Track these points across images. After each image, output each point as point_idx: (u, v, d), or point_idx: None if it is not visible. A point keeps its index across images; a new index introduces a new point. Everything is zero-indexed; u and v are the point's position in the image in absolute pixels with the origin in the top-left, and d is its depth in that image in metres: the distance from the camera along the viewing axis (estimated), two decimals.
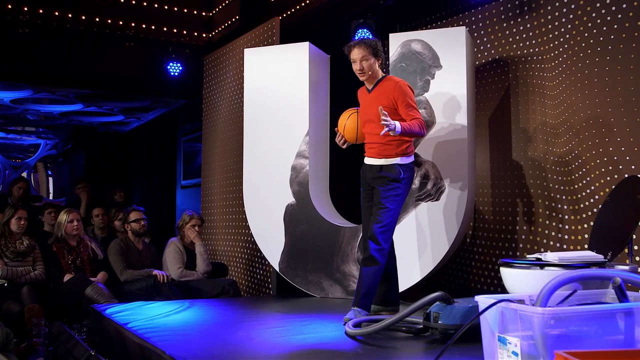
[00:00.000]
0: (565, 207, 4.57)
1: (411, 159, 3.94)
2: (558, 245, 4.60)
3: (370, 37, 5.79)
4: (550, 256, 3.16)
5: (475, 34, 5.36)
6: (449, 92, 4.68)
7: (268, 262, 5.35)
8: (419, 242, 4.68)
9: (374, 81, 3.93)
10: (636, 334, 2.11)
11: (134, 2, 7.38)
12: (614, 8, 4.25)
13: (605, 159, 4.25)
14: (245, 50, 5.47)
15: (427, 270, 4.65)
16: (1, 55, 7.11)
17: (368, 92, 3.96)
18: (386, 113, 3.63)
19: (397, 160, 3.85)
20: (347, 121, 4.04)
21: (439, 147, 4.67)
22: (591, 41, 4.39)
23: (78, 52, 7.57)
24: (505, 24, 5.14)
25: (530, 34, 4.92)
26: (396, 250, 4.74)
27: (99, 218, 6.52)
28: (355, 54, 3.86)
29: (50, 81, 7.74)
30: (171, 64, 7.36)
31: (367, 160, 3.97)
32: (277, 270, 5.17)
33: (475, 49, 5.31)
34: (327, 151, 5.43)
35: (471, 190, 4.71)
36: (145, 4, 7.45)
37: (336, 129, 4.11)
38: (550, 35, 4.74)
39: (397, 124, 3.65)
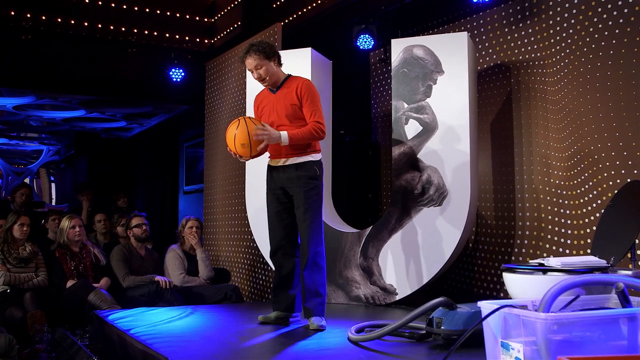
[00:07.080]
0: (568, 212, 4.57)
1: (320, 155, 3.85)
2: (561, 250, 4.59)
3: (370, 43, 5.82)
4: (553, 261, 3.16)
5: (477, 39, 5.37)
6: (451, 98, 4.68)
7: (270, 268, 5.35)
8: (422, 247, 4.68)
9: (277, 82, 3.85)
10: (639, 339, 2.11)
11: (136, 8, 7.41)
12: (615, 13, 4.25)
13: (607, 163, 4.25)
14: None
15: (429, 276, 4.65)
16: (4, 62, 7.14)
17: (273, 92, 3.86)
18: (265, 125, 3.62)
19: (309, 157, 3.77)
20: (237, 131, 3.61)
21: (441, 152, 4.67)
22: (593, 46, 4.39)
23: (80, 58, 7.60)
24: (507, 29, 5.15)
25: (532, 39, 4.93)
26: (400, 255, 4.76)
27: (101, 224, 6.53)
28: (249, 64, 3.77)
29: (52, 87, 7.77)
30: (173, 69, 7.37)
31: (276, 162, 3.82)
32: None
33: (477, 54, 5.32)
34: (330, 156, 5.43)
35: (473, 196, 4.71)
36: (147, 10, 7.48)
37: (228, 148, 3.72)
38: (552, 40, 4.75)
39: (284, 133, 3.61)
